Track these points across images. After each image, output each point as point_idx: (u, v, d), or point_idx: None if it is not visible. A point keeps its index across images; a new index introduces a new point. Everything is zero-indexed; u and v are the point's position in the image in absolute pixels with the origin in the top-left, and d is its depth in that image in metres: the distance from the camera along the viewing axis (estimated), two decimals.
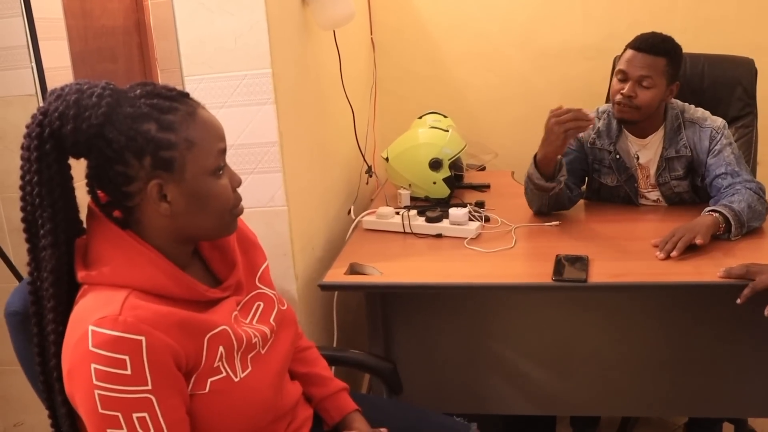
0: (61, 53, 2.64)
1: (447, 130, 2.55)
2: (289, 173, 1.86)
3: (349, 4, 2.11)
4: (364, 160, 2.58)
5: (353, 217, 2.34)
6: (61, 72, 2.64)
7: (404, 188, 2.51)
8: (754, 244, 2.00)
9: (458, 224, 2.14)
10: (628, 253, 1.99)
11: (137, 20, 3.26)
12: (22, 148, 1.08)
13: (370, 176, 2.64)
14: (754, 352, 2.01)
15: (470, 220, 2.19)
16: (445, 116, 2.79)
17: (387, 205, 2.34)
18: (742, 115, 2.54)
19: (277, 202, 1.84)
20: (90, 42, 2.88)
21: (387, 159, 2.56)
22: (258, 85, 1.76)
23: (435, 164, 2.45)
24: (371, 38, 3.16)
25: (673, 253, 1.88)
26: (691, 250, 1.91)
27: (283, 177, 1.82)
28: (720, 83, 2.56)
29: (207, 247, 1.31)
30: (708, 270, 1.78)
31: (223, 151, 1.18)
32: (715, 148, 2.18)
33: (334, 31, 2.24)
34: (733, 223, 1.97)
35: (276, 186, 1.82)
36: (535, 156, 2.17)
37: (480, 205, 2.36)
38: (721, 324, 2.01)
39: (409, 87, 3.21)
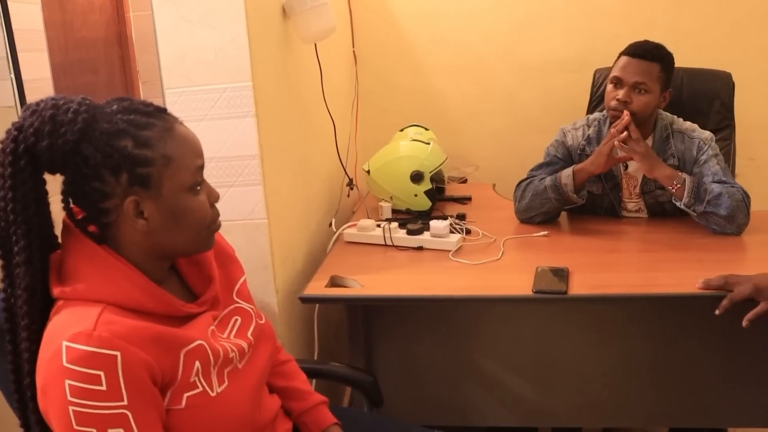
0: (41, 65, 2.63)
1: (428, 143, 2.55)
2: (269, 186, 1.85)
3: (330, 18, 2.11)
4: (345, 172, 2.58)
5: (334, 230, 2.34)
6: (41, 84, 2.62)
7: (385, 201, 2.51)
8: (732, 255, 2.02)
9: (439, 237, 2.15)
10: (610, 264, 2.00)
11: (119, 32, 3.25)
12: None
13: (351, 189, 2.64)
14: (734, 362, 2.03)
15: (451, 232, 2.19)
16: (426, 129, 2.79)
17: (368, 218, 2.34)
18: (720, 128, 2.56)
19: (258, 215, 1.83)
20: (71, 54, 2.86)
21: (368, 171, 2.56)
22: (239, 98, 1.76)
23: (416, 177, 2.46)
24: (353, 51, 3.17)
25: (619, 131, 2.12)
26: (668, 262, 1.95)
27: (264, 190, 1.82)
28: (699, 96, 2.59)
29: (184, 262, 1.30)
30: (687, 281, 1.79)
31: (201, 167, 1.17)
32: (702, 158, 2.21)
33: (315, 44, 2.24)
34: (687, 186, 2.09)
35: (256, 199, 1.82)
36: (573, 166, 2.25)
37: (461, 217, 2.37)
38: (701, 335, 2.03)
39: (391, 99, 3.22)
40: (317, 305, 2.11)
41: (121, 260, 1.12)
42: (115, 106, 1.11)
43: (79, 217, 1.13)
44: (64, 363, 0.99)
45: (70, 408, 0.99)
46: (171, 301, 1.16)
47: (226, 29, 1.73)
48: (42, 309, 1.10)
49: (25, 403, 1.12)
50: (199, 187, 1.17)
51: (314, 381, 1.81)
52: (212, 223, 1.21)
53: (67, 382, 0.99)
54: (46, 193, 1.11)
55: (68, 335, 1.01)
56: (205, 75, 1.76)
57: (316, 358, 2.13)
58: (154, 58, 1.81)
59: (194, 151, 1.16)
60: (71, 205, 1.13)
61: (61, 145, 1.05)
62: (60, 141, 1.05)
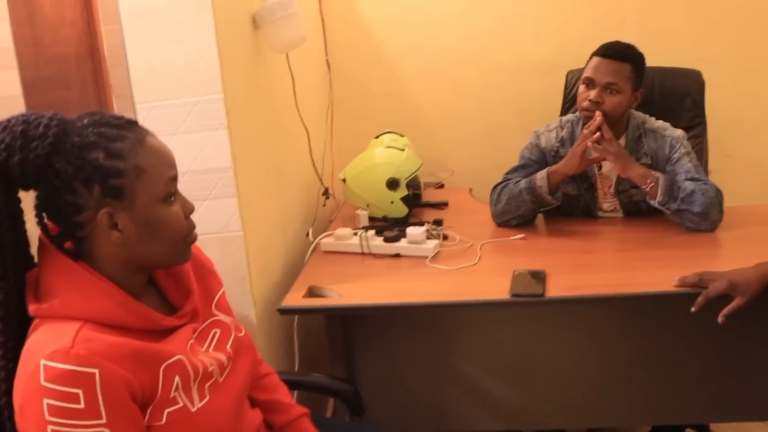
0: (11, 82, 2.60)
1: (403, 149, 2.55)
2: (244, 198, 1.85)
3: (301, 27, 2.11)
4: (321, 181, 2.58)
5: (311, 240, 2.33)
6: (11, 101, 2.59)
7: (362, 209, 2.51)
8: (707, 252, 2.04)
9: (416, 243, 2.15)
10: (586, 265, 2.02)
11: (90, 47, 3.22)
12: None
13: (327, 198, 2.63)
14: (713, 358, 2.04)
15: (428, 238, 2.19)
16: (401, 135, 2.80)
17: (345, 227, 2.34)
18: (692, 126, 2.58)
19: (233, 228, 1.83)
20: (42, 70, 2.83)
21: (344, 180, 2.56)
22: (210, 110, 1.76)
23: (392, 184, 2.46)
24: (326, 59, 3.17)
25: (592, 132, 2.13)
26: (643, 261, 1.97)
27: (238, 202, 1.81)
28: (670, 95, 2.61)
29: (162, 275, 1.30)
30: (663, 279, 1.80)
31: (174, 178, 1.17)
32: (674, 156, 2.23)
33: (287, 54, 2.24)
34: (661, 185, 2.11)
35: (231, 211, 1.81)
36: (548, 168, 2.26)
37: (438, 223, 2.37)
38: (679, 331, 2.04)
39: (366, 106, 3.22)
40: (296, 316, 2.11)
41: (98, 276, 1.12)
42: (86, 120, 1.11)
43: (55, 233, 1.12)
44: (42, 382, 0.98)
45: (48, 427, 0.98)
46: (150, 315, 1.16)
47: (195, 42, 1.73)
48: (18, 327, 1.09)
49: (2, 424, 1.10)
50: (172, 198, 1.17)
51: (296, 392, 1.80)
52: (188, 234, 1.21)
53: (45, 401, 0.98)
54: (20, 210, 1.11)
55: (46, 354, 1.00)
56: (175, 88, 1.75)
57: (296, 369, 2.12)
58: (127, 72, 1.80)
59: (166, 162, 1.16)
60: (46, 221, 1.12)
61: (32, 159, 1.05)
62: (31, 155, 1.05)
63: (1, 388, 1.08)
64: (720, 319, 1.70)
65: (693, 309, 1.73)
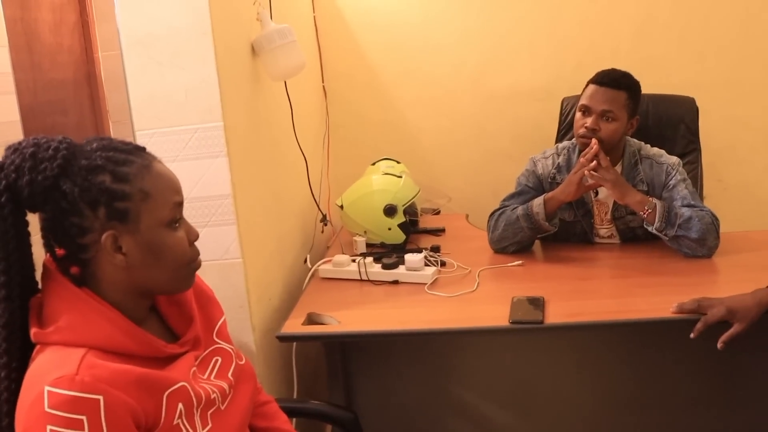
0: (9, 107, 2.60)
1: (400, 176, 2.56)
2: (243, 225, 1.85)
3: (299, 55, 2.12)
4: (319, 208, 2.58)
5: (309, 266, 2.33)
6: (9, 126, 2.59)
7: (360, 235, 2.51)
8: (704, 278, 2.05)
9: (414, 270, 2.15)
10: (585, 292, 2.02)
11: (88, 72, 3.23)
12: None
13: (325, 225, 2.63)
14: (711, 385, 2.05)
15: (426, 265, 2.20)
16: (398, 162, 2.81)
17: (343, 253, 2.34)
18: (686, 152, 2.61)
19: (232, 255, 1.83)
20: (39, 95, 2.85)
21: (342, 207, 2.57)
22: (210, 138, 1.76)
23: (389, 210, 2.46)
24: (323, 86, 3.18)
25: (588, 160, 2.15)
26: (641, 287, 1.97)
27: (238, 229, 1.81)
28: (664, 122, 2.64)
29: (164, 302, 1.30)
30: (661, 306, 1.81)
31: (180, 204, 1.18)
32: (670, 183, 2.24)
33: (285, 81, 2.25)
34: (658, 211, 2.12)
35: (231, 238, 1.81)
36: (544, 195, 2.27)
37: (435, 249, 2.38)
38: (678, 358, 2.04)
39: (362, 133, 3.23)
40: (295, 343, 2.10)
41: (102, 302, 1.12)
42: (94, 144, 1.13)
43: (60, 257, 1.13)
44: (46, 408, 0.98)
45: None
46: (153, 342, 1.16)
47: (196, 70, 1.74)
48: (21, 350, 1.10)
49: None
50: (177, 224, 1.18)
51: (294, 420, 1.79)
52: (192, 261, 1.21)
53: (49, 427, 0.98)
54: (28, 234, 1.12)
55: (50, 380, 1.00)
56: (175, 116, 1.76)
57: (295, 396, 2.11)
58: (125, 97, 1.80)
59: (172, 188, 1.17)
60: (53, 247, 1.13)
61: (40, 180, 1.06)
62: (40, 177, 1.06)
63: (2, 411, 1.08)
64: (719, 345, 1.70)
65: (692, 335, 1.73)
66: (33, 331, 1.09)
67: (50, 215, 1.10)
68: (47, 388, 0.99)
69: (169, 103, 1.76)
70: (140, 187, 1.11)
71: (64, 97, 3.05)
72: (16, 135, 2.63)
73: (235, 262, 1.83)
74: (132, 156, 1.13)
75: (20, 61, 2.71)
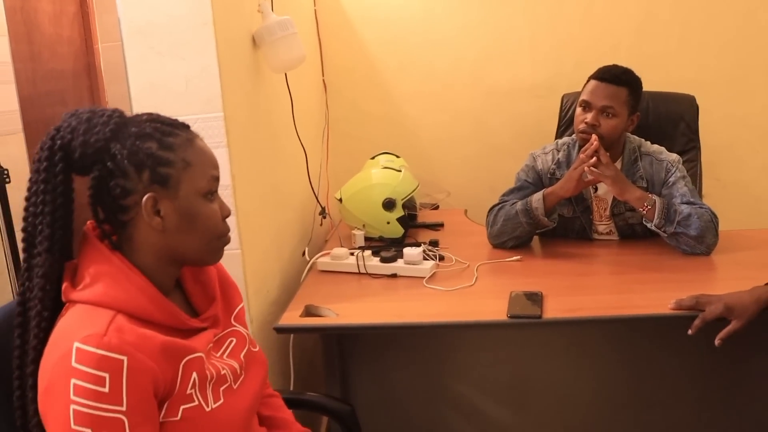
0: (8, 97, 2.61)
1: (399, 170, 2.56)
2: (242, 216, 1.85)
3: (300, 47, 2.12)
4: (318, 201, 2.58)
5: (308, 259, 2.33)
6: (8, 116, 2.60)
7: (358, 229, 2.51)
8: (702, 275, 2.05)
9: (413, 263, 2.15)
10: (583, 287, 2.02)
11: (87, 64, 3.23)
12: (34, 161, 1.15)
13: (324, 218, 2.63)
14: (709, 381, 2.05)
15: (425, 259, 2.20)
16: (397, 156, 2.81)
17: (341, 246, 2.34)
18: (686, 150, 2.61)
19: (231, 246, 1.78)
20: (39, 86, 2.85)
21: (340, 200, 2.57)
22: (210, 128, 1.76)
23: (388, 204, 2.46)
24: (323, 79, 3.18)
25: (588, 156, 2.14)
26: (640, 283, 1.96)
27: (237, 220, 1.81)
28: (664, 119, 2.64)
29: (190, 279, 1.34)
30: (659, 302, 1.81)
31: (217, 178, 1.24)
32: (670, 180, 2.25)
33: (285, 74, 2.25)
34: (658, 208, 2.12)
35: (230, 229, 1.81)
36: (544, 190, 2.26)
37: (434, 243, 2.38)
38: (675, 354, 2.05)
39: (362, 127, 3.23)
40: (292, 335, 2.10)
41: (133, 269, 1.16)
42: (144, 117, 1.20)
43: (101, 219, 1.18)
44: (73, 363, 1.02)
45: (72, 407, 1.01)
46: (177, 313, 1.20)
47: (196, 60, 1.74)
48: (53, 304, 1.14)
49: (25, 403, 1.13)
50: (212, 196, 1.23)
51: (291, 411, 1.79)
52: (223, 235, 1.26)
53: (73, 381, 1.01)
54: (72, 198, 1.17)
55: (80, 337, 1.03)
56: (175, 106, 1.75)
57: (292, 388, 2.11)
58: (123, 88, 1.80)
59: (211, 162, 1.24)
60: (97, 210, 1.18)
61: (93, 142, 1.13)
62: (93, 138, 1.13)
63: (29, 358, 1.12)
64: (717, 341, 1.70)
65: (690, 332, 1.73)
66: (65, 286, 1.14)
67: (97, 176, 1.14)
68: (76, 344, 1.03)
69: (169, 93, 1.75)
70: (183, 156, 1.17)
71: (63, 87, 3.05)
72: (15, 125, 2.64)
73: (234, 253, 1.83)
74: (178, 130, 1.20)
75: (20, 51, 2.71)
